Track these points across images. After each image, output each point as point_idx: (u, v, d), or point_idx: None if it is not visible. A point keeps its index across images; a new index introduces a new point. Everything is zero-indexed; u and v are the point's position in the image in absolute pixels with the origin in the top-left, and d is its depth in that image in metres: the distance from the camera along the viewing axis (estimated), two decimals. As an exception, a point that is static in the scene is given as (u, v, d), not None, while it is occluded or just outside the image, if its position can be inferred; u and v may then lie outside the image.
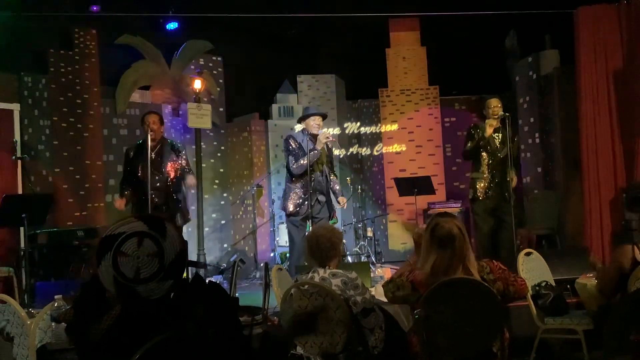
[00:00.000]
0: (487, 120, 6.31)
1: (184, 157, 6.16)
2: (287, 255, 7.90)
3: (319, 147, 6.04)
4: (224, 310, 1.96)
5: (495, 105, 6.28)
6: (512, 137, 6.29)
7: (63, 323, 1.97)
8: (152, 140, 5.78)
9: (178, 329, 1.83)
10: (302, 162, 6.00)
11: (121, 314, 1.85)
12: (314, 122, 6.15)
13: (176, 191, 6.09)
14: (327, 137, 6.10)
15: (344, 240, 8.07)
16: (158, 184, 5.89)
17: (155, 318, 1.85)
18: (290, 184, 6.19)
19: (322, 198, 6.16)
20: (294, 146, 6.09)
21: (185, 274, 1.99)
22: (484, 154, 6.29)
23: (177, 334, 1.82)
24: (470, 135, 6.43)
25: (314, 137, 6.12)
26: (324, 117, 6.37)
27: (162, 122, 6.13)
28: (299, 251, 6.06)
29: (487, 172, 6.27)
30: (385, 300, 4.00)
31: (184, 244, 1.91)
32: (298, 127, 9.23)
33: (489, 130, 6.22)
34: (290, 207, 6.11)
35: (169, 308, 1.86)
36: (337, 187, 6.38)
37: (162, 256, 1.84)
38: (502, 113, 6.13)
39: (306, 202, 6.04)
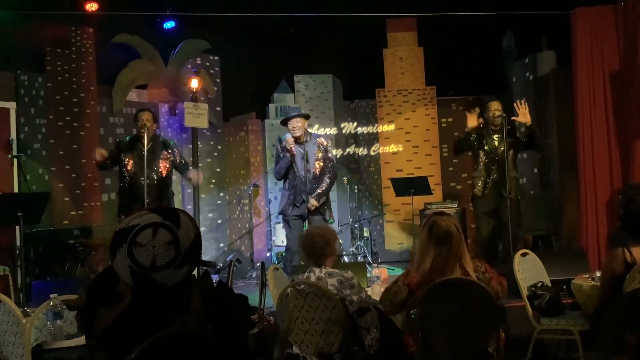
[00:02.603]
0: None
1: (177, 152, 6.16)
2: (283, 254, 7.91)
3: (287, 154, 6.06)
4: (226, 307, 2.00)
5: (495, 107, 6.27)
6: (513, 130, 6.30)
7: (74, 310, 2.03)
8: (144, 136, 5.79)
9: (180, 323, 1.86)
10: (276, 167, 6.17)
11: (129, 306, 1.88)
12: (290, 125, 6.11)
13: (168, 187, 6.12)
14: (292, 145, 6.05)
15: (340, 240, 8.11)
16: (149, 181, 5.88)
17: (161, 311, 1.88)
18: (282, 185, 6.32)
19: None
20: (278, 149, 6.19)
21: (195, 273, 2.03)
22: (481, 153, 6.30)
23: (179, 329, 1.85)
24: (468, 134, 6.44)
25: (297, 140, 6.10)
26: (305, 117, 6.25)
27: (155, 120, 6.12)
28: (290, 249, 6.15)
29: (484, 170, 6.27)
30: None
31: (198, 229, 1.97)
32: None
33: (471, 120, 6.24)
34: (280, 207, 6.25)
35: (176, 300, 1.90)
36: (320, 190, 6.12)
37: (178, 244, 1.89)
38: (499, 114, 6.14)
39: (292, 204, 6.10)
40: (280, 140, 6.23)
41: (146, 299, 1.88)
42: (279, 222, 8.66)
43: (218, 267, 7.94)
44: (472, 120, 6.30)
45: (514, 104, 6.31)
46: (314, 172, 6.10)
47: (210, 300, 1.96)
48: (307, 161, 6.07)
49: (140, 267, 1.86)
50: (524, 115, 6.12)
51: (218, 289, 2.09)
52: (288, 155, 6.05)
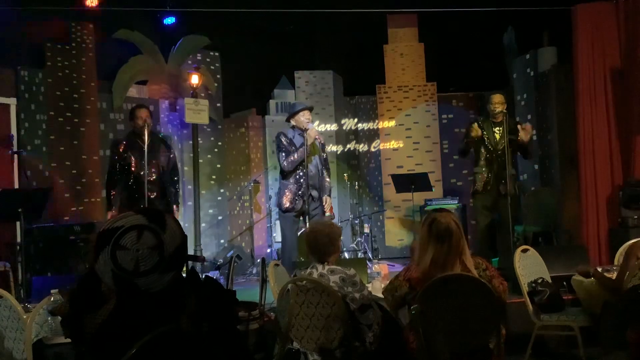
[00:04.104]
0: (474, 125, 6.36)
1: (172, 155, 6.18)
2: (279, 251, 7.91)
3: (309, 142, 5.97)
4: (218, 304, 1.96)
5: (496, 102, 6.26)
6: (515, 128, 6.30)
7: (59, 316, 1.98)
8: (144, 134, 5.80)
9: (172, 323, 1.83)
10: (292, 158, 5.94)
11: (115, 308, 1.84)
12: (303, 117, 6.03)
13: (168, 184, 6.08)
14: (317, 134, 6.04)
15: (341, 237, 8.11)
16: (152, 178, 5.88)
17: (149, 312, 1.84)
18: (284, 180, 6.12)
19: (315, 193, 6.06)
20: (285, 142, 6.02)
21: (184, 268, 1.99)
22: (482, 148, 6.29)
23: (171, 328, 1.82)
24: (467, 131, 6.42)
25: (303, 133, 6.05)
26: (310, 110, 6.27)
27: (151, 115, 6.12)
28: (291, 247, 6.05)
29: (485, 166, 6.26)
30: (381, 296, 4.02)
31: (184, 236, 1.91)
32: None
33: (475, 131, 6.25)
34: (286, 204, 6.03)
35: (164, 302, 1.86)
36: (326, 184, 6.20)
37: (162, 248, 1.83)
38: (500, 110, 6.13)
39: (301, 198, 5.99)
40: (282, 134, 6.08)
41: (133, 300, 1.84)
42: (279, 219, 8.65)
43: (219, 263, 7.96)
44: (476, 131, 6.29)
45: (518, 126, 6.26)
46: (320, 168, 6.10)
47: (203, 299, 1.92)
48: (322, 154, 6.14)
49: (123, 271, 1.79)
50: (525, 134, 6.16)
51: (209, 285, 2.04)
52: (309, 144, 5.97)
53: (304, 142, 5.92)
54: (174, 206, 6.16)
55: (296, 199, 5.98)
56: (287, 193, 6.04)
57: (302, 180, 5.99)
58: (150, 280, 1.81)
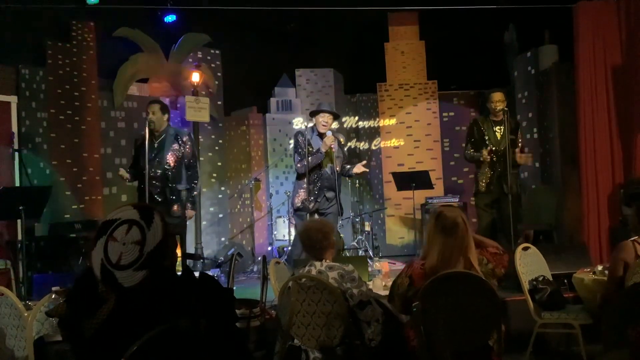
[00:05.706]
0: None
1: (188, 147, 5.99)
2: (285, 249, 7.91)
3: (323, 149, 5.98)
4: (215, 301, 1.97)
5: (497, 100, 6.24)
6: (515, 129, 6.29)
7: (56, 318, 1.97)
8: (154, 130, 5.77)
9: (171, 322, 1.83)
10: (305, 162, 5.95)
11: (114, 309, 1.85)
12: (322, 119, 6.05)
13: (176, 181, 5.94)
14: (332, 143, 6.03)
15: (341, 235, 8.11)
16: (156, 174, 5.84)
17: (148, 311, 1.84)
18: (298, 180, 6.17)
19: (330, 194, 6.08)
20: (301, 144, 6.01)
21: (180, 267, 2.00)
22: (483, 148, 6.28)
23: (170, 328, 1.82)
24: (470, 135, 6.40)
25: (321, 135, 6.07)
26: (335, 116, 6.26)
27: (163, 111, 5.97)
28: (300, 244, 6.05)
29: (488, 166, 6.25)
30: (382, 293, 4.02)
31: (167, 235, 1.91)
32: (296, 121, 9.26)
33: (485, 154, 6.21)
34: (297, 203, 6.08)
35: (161, 301, 1.86)
36: (348, 166, 6.30)
37: (143, 245, 1.85)
38: (501, 108, 6.12)
39: (314, 199, 6.01)
40: (300, 134, 6.08)
41: (132, 301, 1.84)
42: (280, 216, 8.66)
43: (220, 261, 7.96)
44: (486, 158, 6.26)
45: (515, 153, 6.18)
46: (336, 170, 6.10)
47: (200, 296, 1.93)
48: (337, 158, 6.11)
49: (109, 262, 1.84)
50: (525, 159, 6.22)
51: (205, 283, 2.04)
52: (323, 152, 5.98)
53: (318, 149, 5.97)
54: (188, 205, 5.98)
55: (308, 199, 5.99)
56: (300, 192, 6.08)
57: (317, 181, 6.03)
58: (125, 274, 1.84)
